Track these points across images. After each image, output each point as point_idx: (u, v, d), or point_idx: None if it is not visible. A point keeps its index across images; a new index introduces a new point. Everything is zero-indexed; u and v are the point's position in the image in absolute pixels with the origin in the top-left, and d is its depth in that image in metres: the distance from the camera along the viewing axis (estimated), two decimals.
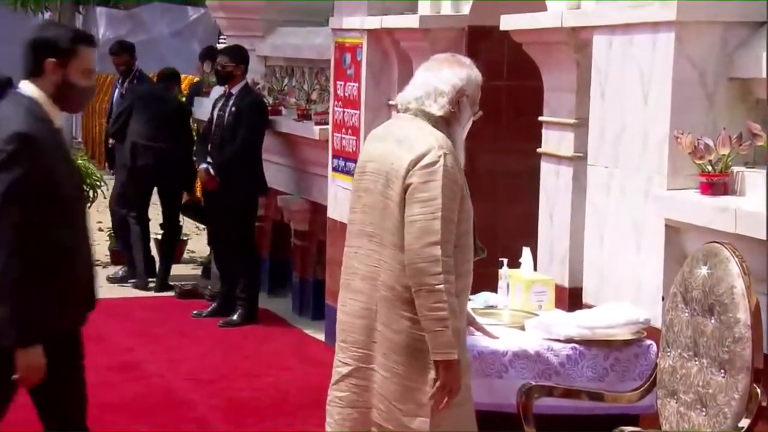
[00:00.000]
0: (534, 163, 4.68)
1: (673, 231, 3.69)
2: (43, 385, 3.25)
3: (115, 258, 8.37)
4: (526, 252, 4.06)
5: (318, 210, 6.95)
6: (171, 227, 7.97)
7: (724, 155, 3.52)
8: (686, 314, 3.20)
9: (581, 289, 4.21)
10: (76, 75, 3.25)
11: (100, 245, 8.02)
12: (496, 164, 5.42)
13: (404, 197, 3.08)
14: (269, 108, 7.22)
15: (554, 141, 4.53)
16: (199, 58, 8.91)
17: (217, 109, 6.92)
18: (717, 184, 3.52)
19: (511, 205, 5.32)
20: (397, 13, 5.77)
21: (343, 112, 6.25)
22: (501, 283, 4.02)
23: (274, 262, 7.73)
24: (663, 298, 3.60)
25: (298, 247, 7.29)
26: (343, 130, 6.26)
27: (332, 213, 6.40)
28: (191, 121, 8.25)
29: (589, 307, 4.00)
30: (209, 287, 7.48)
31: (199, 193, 7.83)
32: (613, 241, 4.02)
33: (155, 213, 8.10)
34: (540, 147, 4.63)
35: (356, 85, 6.10)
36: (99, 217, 9.13)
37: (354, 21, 6.10)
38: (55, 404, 3.36)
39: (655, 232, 3.76)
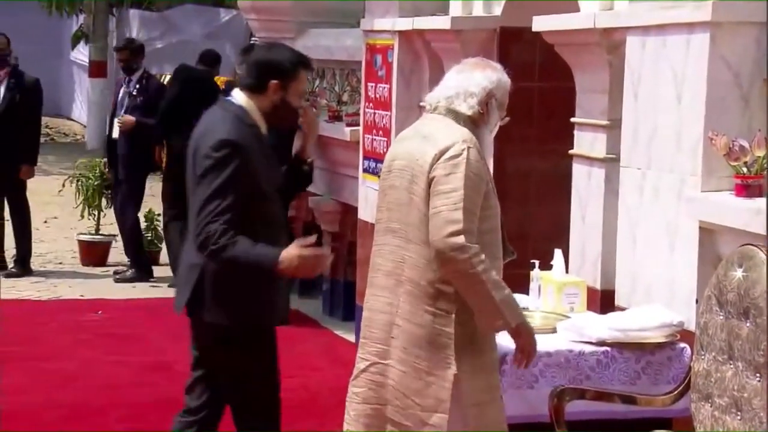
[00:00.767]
0: (566, 164, 4.66)
1: (707, 233, 3.66)
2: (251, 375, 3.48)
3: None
4: (558, 254, 4.04)
5: (349, 211, 6.96)
6: None
7: (759, 157, 3.48)
8: (721, 317, 3.17)
9: (613, 291, 4.18)
10: (293, 96, 3.50)
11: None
12: (528, 166, 5.40)
13: (429, 191, 3.09)
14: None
15: (586, 142, 4.51)
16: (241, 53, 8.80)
17: None
18: (752, 186, 3.49)
19: (543, 206, 5.30)
20: (428, 14, 5.77)
21: (374, 113, 6.25)
22: (532, 285, 4.01)
23: None
24: (696, 301, 3.57)
25: (328, 248, 7.30)
26: (374, 131, 6.27)
27: (363, 214, 6.41)
28: None
29: (622, 309, 3.97)
30: None
31: None
32: (646, 243, 3.99)
33: None
34: (572, 148, 4.60)
35: (387, 86, 6.10)
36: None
37: (385, 22, 6.10)
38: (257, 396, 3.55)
39: (688, 234, 3.73)
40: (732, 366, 3.11)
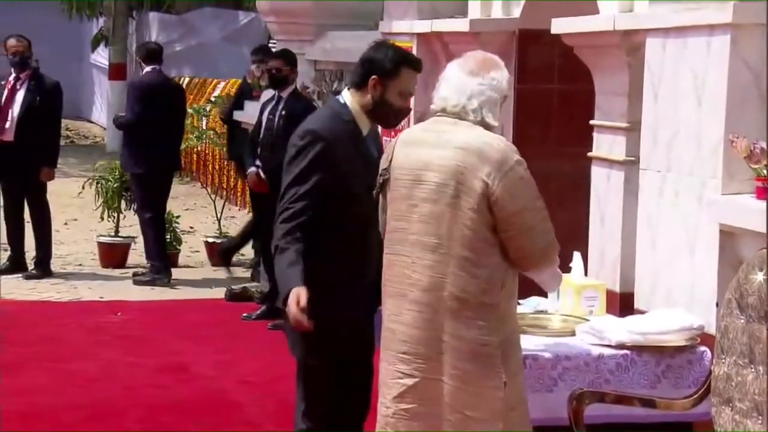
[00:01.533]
0: (585, 167, 4.64)
1: (728, 236, 3.64)
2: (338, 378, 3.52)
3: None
4: (577, 257, 4.03)
5: None
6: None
7: None
8: (742, 321, 3.15)
9: (632, 294, 4.16)
10: (393, 95, 3.51)
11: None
12: (547, 168, 5.36)
13: (488, 210, 3.06)
14: None
15: (606, 145, 4.49)
16: (252, 53, 8.77)
17: (266, 113, 6.96)
18: None
19: (562, 209, 5.26)
20: (446, 17, 5.76)
21: None
22: None
23: None
24: (717, 305, 3.55)
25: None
26: (392, 132, 6.26)
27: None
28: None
29: (641, 312, 3.95)
30: (258, 289, 7.52)
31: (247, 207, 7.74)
32: (665, 246, 3.97)
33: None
34: (591, 151, 4.59)
35: None
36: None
37: (404, 24, 6.10)
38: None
39: (709, 237, 3.71)
40: (753, 370, 3.09)
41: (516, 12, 5.31)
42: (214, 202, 9.28)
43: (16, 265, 8.03)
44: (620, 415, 3.43)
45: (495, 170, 3.05)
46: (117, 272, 8.27)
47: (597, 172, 4.54)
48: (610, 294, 4.13)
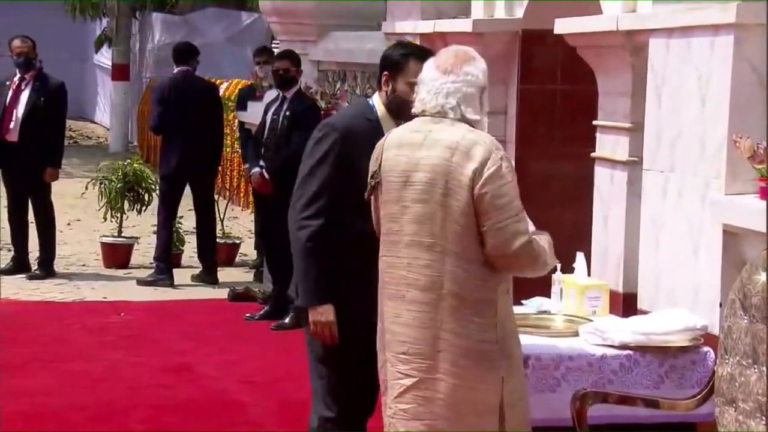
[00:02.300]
0: (588, 167, 4.64)
1: (731, 236, 3.64)
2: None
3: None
4: (580, 257, 4.03)
5: None
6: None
7: None
8: (745, 321, 3.15)
9: (636, 294, 4.16)
10: (402, 86, 3.50)
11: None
12: (550, 168, 5.38)
13: (473, 206, 3.08)
14: (322, 112, 7.25)
15: (609, 145, 4.49)
16: (255, 54, 8.79)
17: (270, 113, 6.96)
18: None
19: (565, 209, 5.28)
20: (449, 17, 5.76)
21: None
22: (554, 288, 3.99)
23: None
24: (720, 305, 3.55)
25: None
26: None
27: None
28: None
29: (644, 313, 3.95)
30: (261, 290, 7.53)
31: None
32: (669, 246, 3.97)
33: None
34: (594, 151, 4.59)
35: None
36: (152, 220, 9.25)
37: (407, 25, 6.10)
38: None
39: (712, 237, 3.71)
40: (756, 370, 3.08)
41: (519, 12, 5.31)
42: (216, 202, 9.28)
43: (19, 265, 8.04)
44: (623, 415, 3.43)
45: (480, 167, 3.08)
46: (120, 273, 8.27)
47: (600, 173, 4.54)
48: (613, 294, 4.13)
